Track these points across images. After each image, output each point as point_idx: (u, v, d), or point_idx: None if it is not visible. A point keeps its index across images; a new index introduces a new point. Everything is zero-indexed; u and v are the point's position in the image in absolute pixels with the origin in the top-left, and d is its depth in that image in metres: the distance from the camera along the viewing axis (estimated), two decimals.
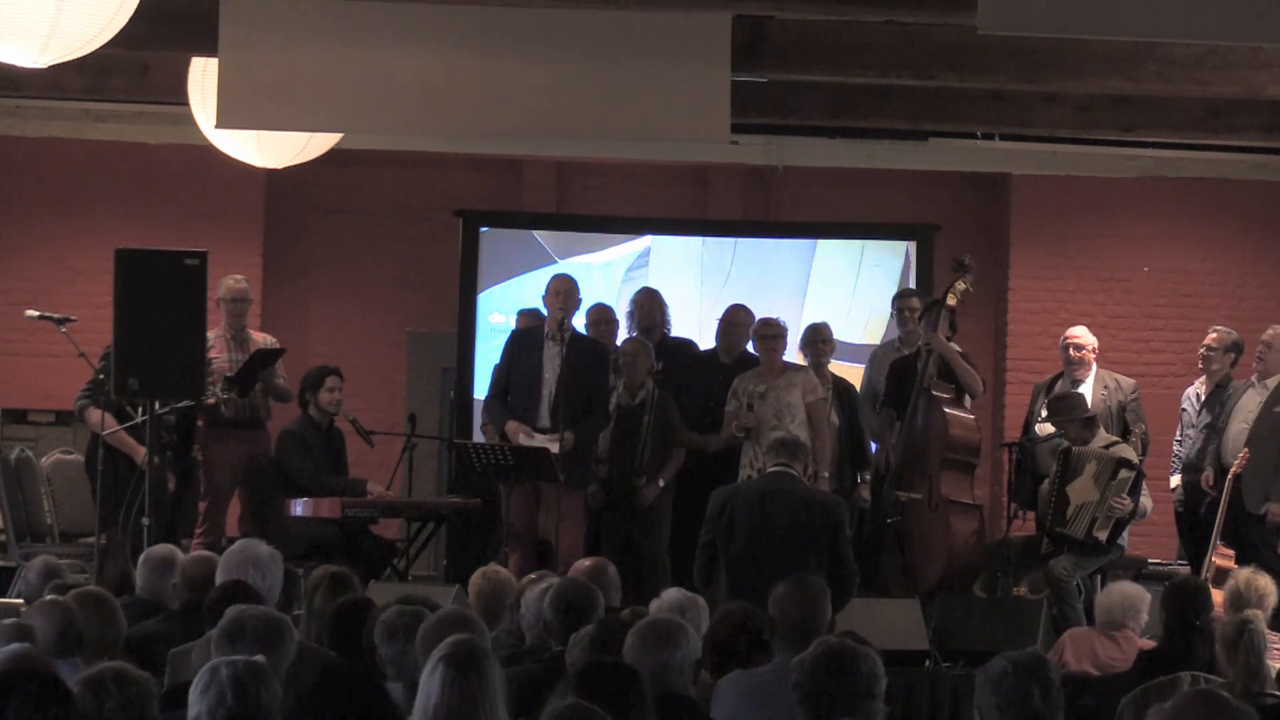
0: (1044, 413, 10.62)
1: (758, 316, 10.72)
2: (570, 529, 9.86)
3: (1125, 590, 8.14)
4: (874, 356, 11.44)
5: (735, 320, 10.95)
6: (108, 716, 4.32)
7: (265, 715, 4.28)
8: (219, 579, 6.59)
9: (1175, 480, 10.82)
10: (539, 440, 9.88)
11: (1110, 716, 6.25)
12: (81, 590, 6.24)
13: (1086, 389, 10.67)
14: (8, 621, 5.66)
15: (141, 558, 7.56)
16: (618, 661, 4.95)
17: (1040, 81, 10.06)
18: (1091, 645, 7.91)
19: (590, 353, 10.17)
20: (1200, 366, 10.92)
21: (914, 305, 11.07)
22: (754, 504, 8.48)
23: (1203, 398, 10.75)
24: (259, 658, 4.49)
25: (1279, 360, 10.46)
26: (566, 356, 9.95)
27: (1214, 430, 10.50)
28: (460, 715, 4.36)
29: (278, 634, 5.01)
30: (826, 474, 10.17)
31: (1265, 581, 7.60)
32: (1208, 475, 10.39)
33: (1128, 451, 10.11)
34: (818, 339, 10.79)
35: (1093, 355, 10.89)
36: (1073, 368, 10.82)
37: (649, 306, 11.09)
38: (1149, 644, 7.89)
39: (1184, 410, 10.92)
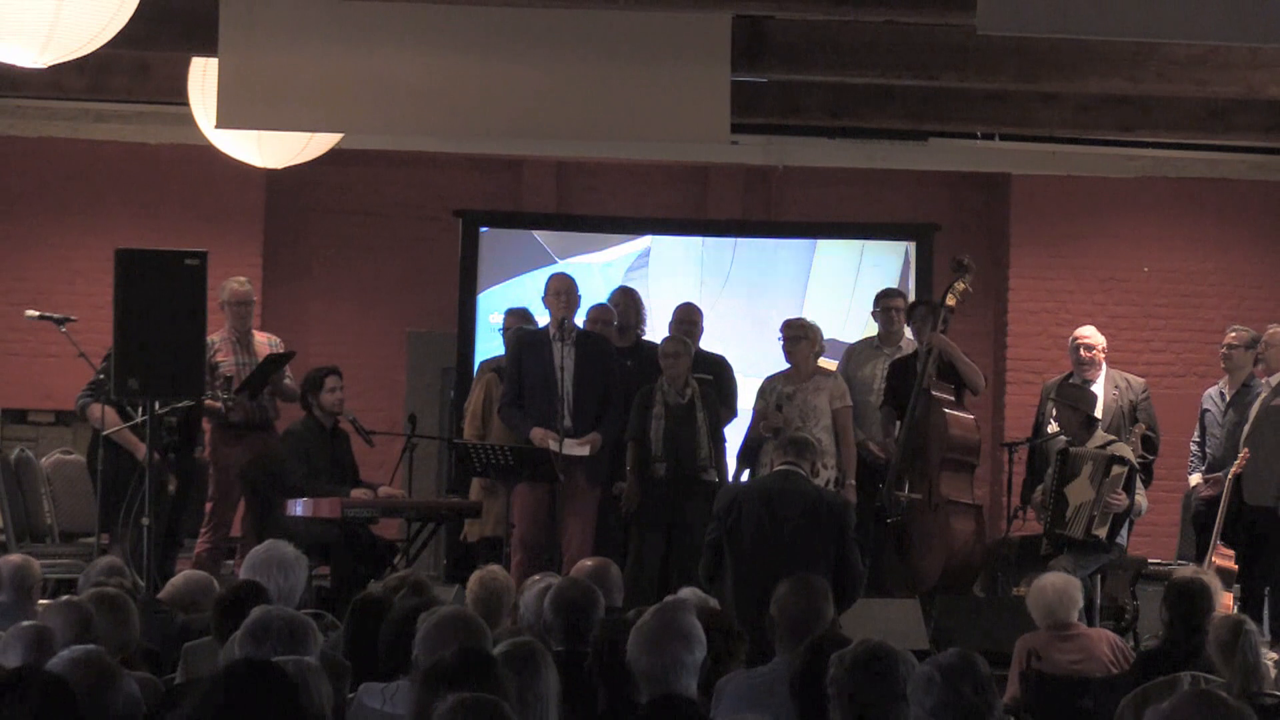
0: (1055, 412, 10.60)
1: (756, 316, 10.67)
2: (581, 529, 9.85)
3: (1054, 583, 7.58)
4: (849, 352, 11.36)
5: (688, 319, 10.89)
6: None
7: None
8: (241, 577, 6.60)
9: (1195, 479, 10.74)
10: (569, 446, 9.77)
11: (1109, 717, 6.25)
12: (97, 591, 6.24)
13: (1098, 389, 10.64)
14: (27, 624, 5.64)
15: (185, 573, 7.59)
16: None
17: (1040, 81, 10.06)
18: (1051, 659, 7.33)
19: (598, 348, 10.17)
20: (1223, 366, 10.86)
21: (899, 305, 11.05)
22: (760, 502, 8.43)
23: (1227, 397, 10.69)
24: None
25: (1278, 356, 10.45)
26: (577, 356, 9.93)
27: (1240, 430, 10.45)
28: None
29: (303, 635, 5.02)
30: (852, 481, 10.15)
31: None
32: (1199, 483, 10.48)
33: (1123, 449, 10.10)
34: None
35: (1103, 355, 10.87)
36: (1083, 368, 10.79)
37: (623, 306, 11.02)
38: (1106, 634, 7.77)
39: (1206, 410, 10.79)
